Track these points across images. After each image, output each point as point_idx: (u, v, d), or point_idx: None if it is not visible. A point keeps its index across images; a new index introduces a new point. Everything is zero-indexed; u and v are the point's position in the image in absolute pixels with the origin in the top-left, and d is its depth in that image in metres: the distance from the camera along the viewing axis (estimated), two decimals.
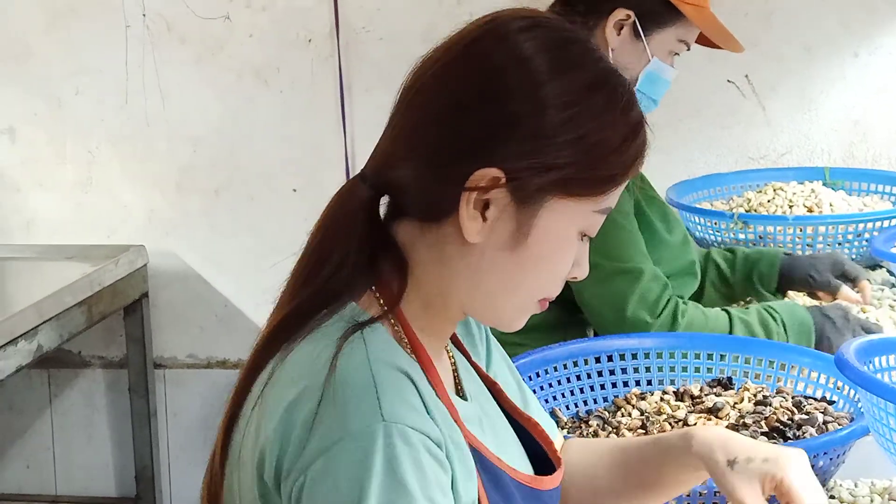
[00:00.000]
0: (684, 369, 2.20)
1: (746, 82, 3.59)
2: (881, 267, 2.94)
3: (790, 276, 2.74)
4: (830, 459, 1.81)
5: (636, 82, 2.42)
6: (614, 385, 2.19)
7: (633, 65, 2.42)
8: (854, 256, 2.96)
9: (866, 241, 2.95)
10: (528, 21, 1.36)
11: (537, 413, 1.61)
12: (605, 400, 2.17)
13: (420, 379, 1.31)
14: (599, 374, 2.19)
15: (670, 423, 1.97)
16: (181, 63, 3.84)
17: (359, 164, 3.76)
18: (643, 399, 2.12)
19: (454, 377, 1.47)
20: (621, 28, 2.40)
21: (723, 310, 2.43)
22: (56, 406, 4.14)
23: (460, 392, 1.47)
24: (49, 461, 4.16)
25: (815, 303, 2.65)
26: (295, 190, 3.87)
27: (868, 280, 2.73)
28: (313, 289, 1.36)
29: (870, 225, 2.97)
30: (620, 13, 2.39)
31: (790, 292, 2.73)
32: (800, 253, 2.90)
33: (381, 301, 1.36)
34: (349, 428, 1.22)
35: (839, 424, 1.92)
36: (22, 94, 3.94)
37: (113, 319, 3.85)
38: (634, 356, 2.20)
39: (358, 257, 1.36)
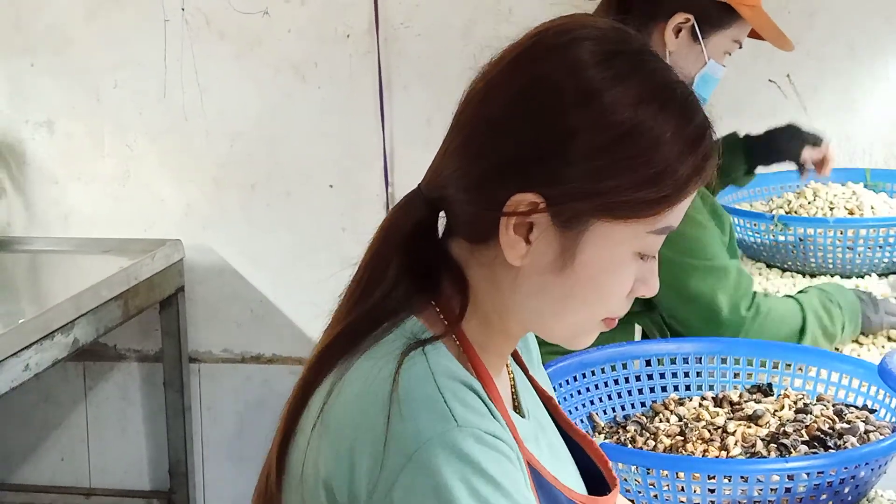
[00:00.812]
0: (723, 375, 2.18)
1: (788, 82, 3.56)
2: None
3: (753, 153, 2.86)
4: (872, 470, 1.78)
5: (691, 84, 2.40)
6: (652, 390, 2.17)
7: (690, 67, 2.43)
8: None
9: None
10: (579, 32, 1.31)
11: None
12: (643, 405, 2.15)
13: (483, 394, 1.28)
14: (637, 378, 2.17)
15: (709, 430, 1.95)
16: (220, 57, 3.84)
17: (396, 162, 3.79)
18: (681, 405, 2.10)
19: (513, 393, 1.45)
20: (679, 31, 2.39)
21: (788, 297, 2.47)
22: (91, 399, 4.16)
23: (518, 408, 1.45)
24: (83, 454, 4.17)
25: None
26: (332, 186, 3.86)
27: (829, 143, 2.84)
28: (369, 305, 1.33)
29: None
30: (680, 17, 2.39)
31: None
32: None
33: (444, 318, 1.34)
34: (423, 437, 1.20)
35: (881, 434, 1.89)
36: (60, 86, 3.95)
37: (149, 313, 3.85)
38: (673, 361, 2.18)
39: (415, 274, 1.34)
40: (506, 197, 1.28)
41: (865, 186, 3.25)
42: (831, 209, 3.10)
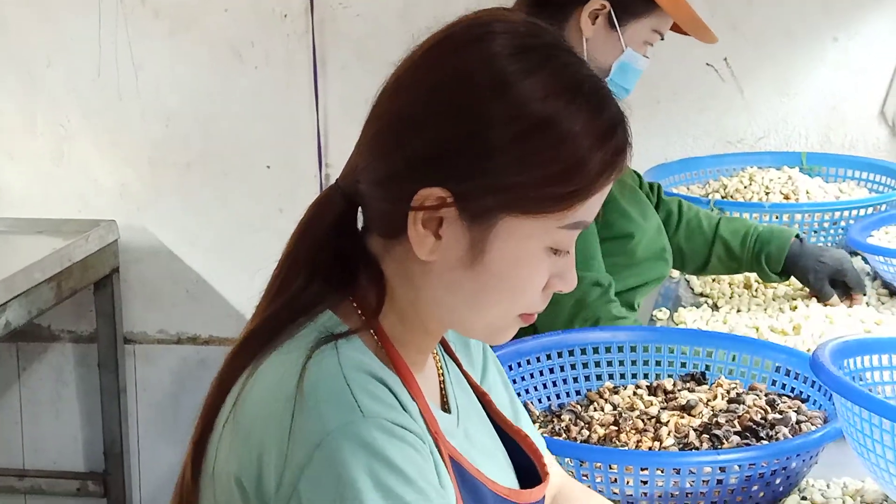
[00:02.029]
0: (658, 363, 2.18)
1: (725, 66, 3.57)
2: (857, 255, 2.93)
3: (795, 264, 2.70)
4: (803, 461, 1.80)
5: (609, 72, 2.41)
6: (587, 378, 2.17)
7: (607, 55, 2.42)
8: (830, 245, 2.95)
9: (842, 229, 2.95)
10: (485, 29, 1.29)
11: (528, 429, 1.58)
12: (578, 393, 2.16)
13: (396, 387, 1.28)
14: (573, 367, 2.17)
15: (643, 420, 1.95)
16: (155, 36, 3.80)
17: (331, 143, 3.76)
18: (616, 393, 2.10)
19: (441, 388, 1.45)
20: (596, 18, 2.38)
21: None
22: (24, 380, 4.11)
23: (445, 404, 1.44)
24: (17, 435, 4.13)
25: None
26: (269, 166, 3.83)
27: (864, 294, 2.71)
28: (285, 299, 1.33)
29: (846, 213, 2.96)
30: (595, 3, 2.38)
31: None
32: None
33: (360, 312, 1.33)
34: (328, 428, 1.19)
35: (813, 424, 1.91)
36: None
37: (83, 294, 3.81)
38: (608, 349, 2.19)
39: (332, 269, 1.33)
40: (414, 191, 1.27)
41: (801, 170, 3.28)
42: (767, 194, 3.12)
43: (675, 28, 2.54)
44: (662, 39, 2.51)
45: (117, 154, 3.89)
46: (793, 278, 2.72)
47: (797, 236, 2.72)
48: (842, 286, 2.68)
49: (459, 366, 1.52)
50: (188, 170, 3.87)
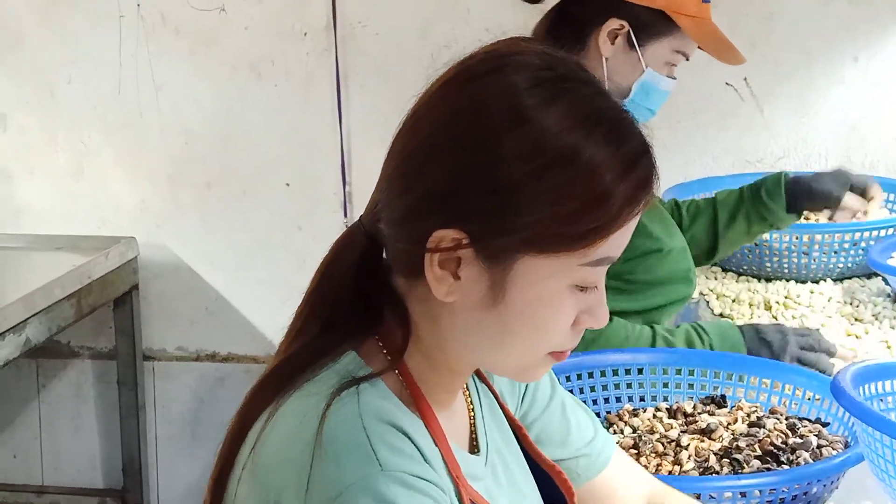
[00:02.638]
0: (678, 385, 2.18)
1: (745, 85, 3.56)
2: (877, 276, 2.93)
3: (795, 192, 2.74)
4: (824, 486, 1.79)
5: (630, 92, 2.40)
6: (606, 400, 2.17)
7: (628, 75, 2.40)
8: (850, 266, 2.95)
9: (863, 250, 2.94)
10: (500, 61, 1.26)
11: (583, 438, 1.57)
12: (598, 416, 2.14)
13: (419, 434, 1.25)
14: (592, 389, 2.17)
15: (663, 444, 1.95)
16: (175, 54, 3.81)
17: (354, 161, 3.77)
18: (636, 416, 2.10)
19: (471, 427, 1.42)
20: (615, 38, 2.37)
21: (649, 326, 2.41)
22: (44, 396, 4.12)
23: (475, 444, 1.42)
24: (36, 451, 4.14)
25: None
26: (288, 184, 3.84)
27: (878, 185, 2.78)
28: (308, 338, 1.31)
29: (867, 234, 2.95)
30: (614, 23, 2.36)
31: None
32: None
33: (386, 353, 1.31)
34: (346, 482, 1.17)
35: (834, 449, 1.90)
36: (14, 81, 3.91)
37: (102, 311, 3.82)
38: (628, 371, 2.18)
39: (355, 307, 1.31)
40: (429, 232, 1.24)
41: None
42: None
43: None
44: (687, 60, 2.48)
45: (137, 171, 3.91)
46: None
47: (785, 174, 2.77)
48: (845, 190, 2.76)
49: (497, 397, 1.49)
50: (208, 187, 3.88)
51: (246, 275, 3.91)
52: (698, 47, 2.48)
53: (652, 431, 2.01)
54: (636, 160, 1.24)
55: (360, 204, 3.85)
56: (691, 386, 2.17)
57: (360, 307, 1.31)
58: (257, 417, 1.29)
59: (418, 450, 1.23)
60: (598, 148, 1.22)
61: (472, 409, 1.43)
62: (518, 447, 1.49)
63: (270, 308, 3.90)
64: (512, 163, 1.21)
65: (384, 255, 1.32)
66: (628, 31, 2.37)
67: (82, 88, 3.87)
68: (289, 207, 3.84)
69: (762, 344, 2.36)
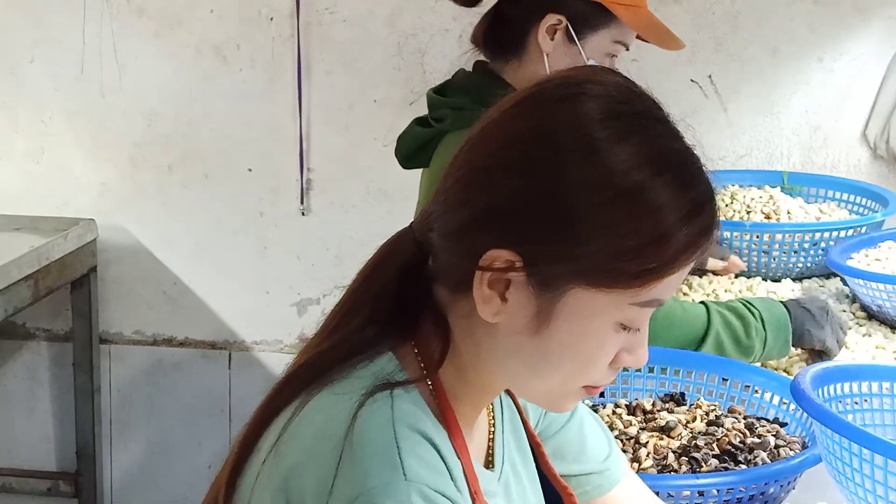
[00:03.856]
0: (638, 382, 2.18)
1: (710, 83, 3.58)
2: (836, 276, 2.94)
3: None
4: (781, 486, 1.80)
5: None
6: None
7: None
8: (810, 266, 2.96)
9: (822, 250, 2.95)
10: (578, 88, 1.24)
11: (596, 455, 1.57)
12: None
13: (444, 445, 1.25)
14: None
15: (622, 440, 1.95)
16: (139, 36, 3.79)
17: (314, 148, 3.76)
18: (595, 411, 2.10)
19: (489, 443, 1.42)
20: (554, 33, 2.38)
21: (701, 303, 2.41)
22: None
23: (490, 459, 1.41)
24: None
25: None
26: (250, 170, 3.82)
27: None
28: (342, 335, 1.30)
29: (827, 234, 2.96)
30: (552, 18, 2.37)
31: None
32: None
33: (421, 361, 1.30)
34: (368, 485, 1.16)
35: (791, 449, 1.91)
36: None
37: (60, 293, 3.80)
38: None
39: (394, 312, 1.30)
40: (483, 250, 1.22)
41: (783, 189, 3.28)
42: (748, 213, 3.12)
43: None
44: (627, 50, 2.47)
45: (98, 153, 3.88)
46: None
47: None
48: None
49: (520, 411, 1.49)
50: (169, 170, 3.86)
51: (205, 259, 3.90)
52: (637, 36, 2.47)
53: (611, 428, 2.01)
54: (701, 207, 1.23)
55: (319, 191, 3.85)
56: (651, 383, 2.18)
57: (400, 312, 1.30)
58: (282, 409, 1.28)
59: (444, 462, 1.23)
60: (664, 189, 1.20)
61: (493, 424, 1.43)
62: (534, 463, 1.49)
63: (229, 293, 3.89)
64: (576, 193, 1.20)
65: (429, 265, 1.31)
66: (566, 25, 2.37)
67: (44, 69, 3.84)
68: (250, 193, 3.83)
69: (804, 311, 2.38)
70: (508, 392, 1.47)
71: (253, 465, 1.29)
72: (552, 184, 1.20)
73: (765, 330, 2.35)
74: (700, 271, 2.83)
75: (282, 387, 1.31)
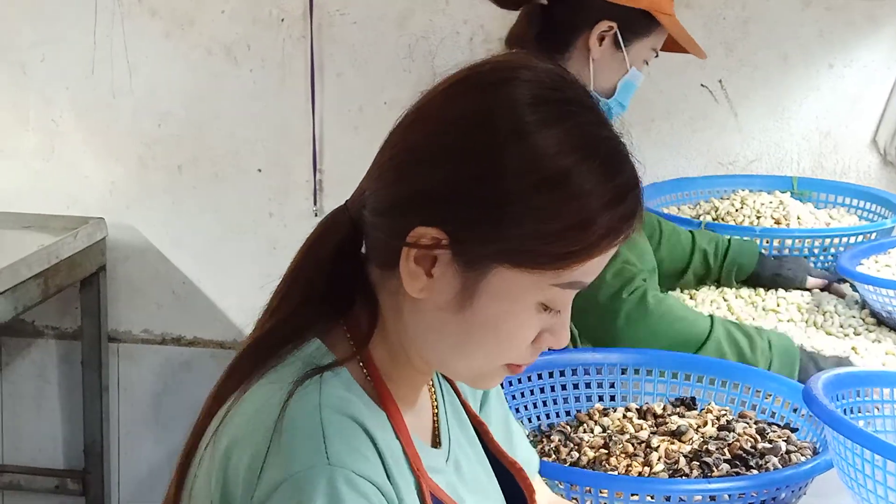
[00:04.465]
0: (648, 386, 2.19)
1: (720, 87, 3.58)
2: (845, 282, 2.94)
3: (760, 274, 2.87)
4: (792, 492, 1.80)
5: (614, 92, 2.44)
6: (577, 399, 2.18)
7: (612, 75, 2.47)
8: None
9: (832, 256, 2.96)
10: (510, 73, 1.27)
11: (522, 450, 1.59)
12: (568, 414, 2.16)
13: (379, 427, 1.27)
14: (563, 387, 2.18)
15: (633, 444, 1.96)
16: (150, 36, 3.79)
17: (326, 148, 3.76)
18: (606, 415, 2.11)
19: (434, 423, 1.44)
20: (603, 39, 2.41)
21: (710, 316, 2.44)
22: (7, 375, 4.09)
23: (437, 439, 1.43)
24: None
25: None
26: (260, 170, 3.82)
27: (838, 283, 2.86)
28: (280, 319, 1.33)
29: (836, 240, 2.97)
30: (604, 24, 2.42)
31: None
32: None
33: (351, 340, 1.32)
34: (291, 470, 1.19)
35: (802, 455, 1.91)
36: None
37: (69, 291, 3.80)
38: (599, 370, 2.19)
39: (328, 290, 1.32)
40: (411, 227, 1.25)
41: (792, 195, 3.29)
42: (758, 218, 3.12)
43: (667, 47, 2.58)
44: (657, 57, 2.55)
45: (108, 152, 3.88)
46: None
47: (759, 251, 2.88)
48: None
49: (459, 395, 1.51)
50: (179, 170, 3.86)
51: (214, 259, 3.90)
52: (661, 47, 2.55)
53: (622, 432, 2.02)
54: (625, 194, 1.26)
55: (330, 192, 3.86)
56: (661, 387, 2.18)
57: (333, 292, 1.32)
58: (226, 399, 1.31)
59: (374, 446, 1.25)
60: (590, 176, 1.23)
61: (437, 405, 1.45)
62: (480, 445, 1.51)
63: (238, 293, 3.89)
64: (505, 176, 1.22)
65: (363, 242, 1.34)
66: (616, 32, 2.40)
67: (55, 67, 3.84)
68: (260, 193, 3.83)
69: (811, 362, 2.39)
70: (446, 376, 1.49)
71: (195, 459, 1.31)
72: (482, 168, 1.23)
73: (771, 352, 2.36)
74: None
75: (225, 379, 1.33)
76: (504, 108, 1.24)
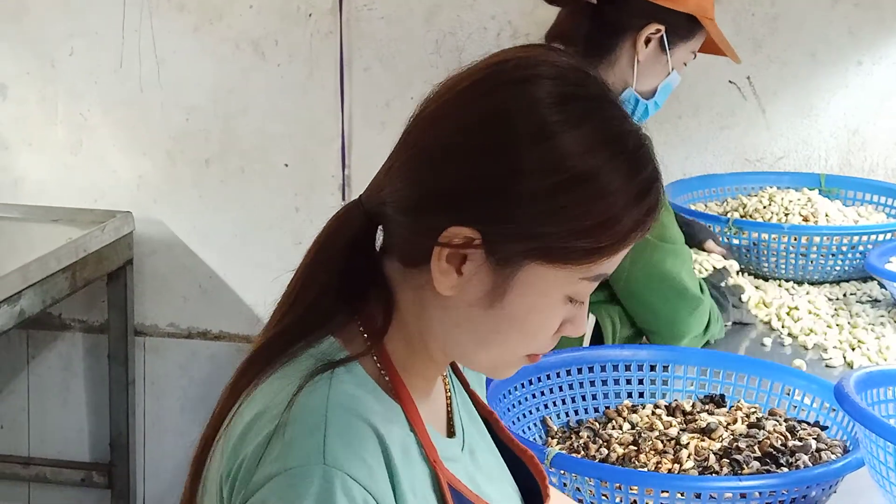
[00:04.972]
0: (677, 383, 2.19)
1: (748, 84, 3.57)
2: (873, 279, 2.94)
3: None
4: (822, 490, 1.80)
5: (654, 94, 2.50)
6: (606, 396, 2.18)
7: (655, 77, 2.51)
8: (848, 269, 2.96)
9: (860, 253, 2.95)
10: (534, 71, 1.28)
11: None
12: (597, 410, 2.16)
13: (391, 421, 1.27)
14: (592, 383, 2.17)
15: (662, 441, 1.95)
16: (179, 30, 3.80)
17: (354, 144, 3.76)
18: (634, 412, 2.11)
19: (448, 413, 1.44)
20: (649, 42, 2.43)
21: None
22: (34, 367, 4.11)
23: (452, 429, 1.44)
24: (24, 423, 4.13)
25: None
26: (287, 165, 3.83)
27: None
28: (295, 315, 1.32)
29: (864, 238, 2.96)
30: (652, 27, 2.44)
31: None
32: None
33: (365, 334, 1.32)
34: (288, 464, 1.20)
35: (832, 453, 1.91)
36: (15, 52, 3.89)
37: (96, 285, 3.81)
38: (627, 367, 2.19)
39: (342, 285, 1.32)
40: (442, 226, 1.25)
41: (820, 192, 3.28)
42: (786, 215, 3.12)
43: (703, 48, 2.61)
44: (695, 58, 2.58)
45: (136, 146, 3.89)
46: None
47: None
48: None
49: (466, 385, 1.52)
50: (206, 164, 3.87)
51: (241, 254, 3.91)
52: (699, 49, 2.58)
53: (651, 428, 2.02)
54: (649, 188, 1.28)
55: (358, 187, 3.86)
56: (690, 384, 2.18)
57: (348, 287, 1.32)
58: (240, 396, 1.31)
59: (381, 445, 1.24)
60: (617, 173, 1.26)
61: (450, 395, 1.46)
62: (489, 436, 1.52)
63: (264, 288, 3.89)
64: (533, 175, 1.24)
65: (378, 238, 1.34)
66: (662, 34, 2.43)
67: (84, 61, 3.86)
68: (287, 188, 3.84)
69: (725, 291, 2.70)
70: (454, 368, 1.50)
71: (211, 452, 1.32)
72: (509, 168, 1.24)
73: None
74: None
75: (240, 372, 1.33)
76: (527, 108, 1.25)
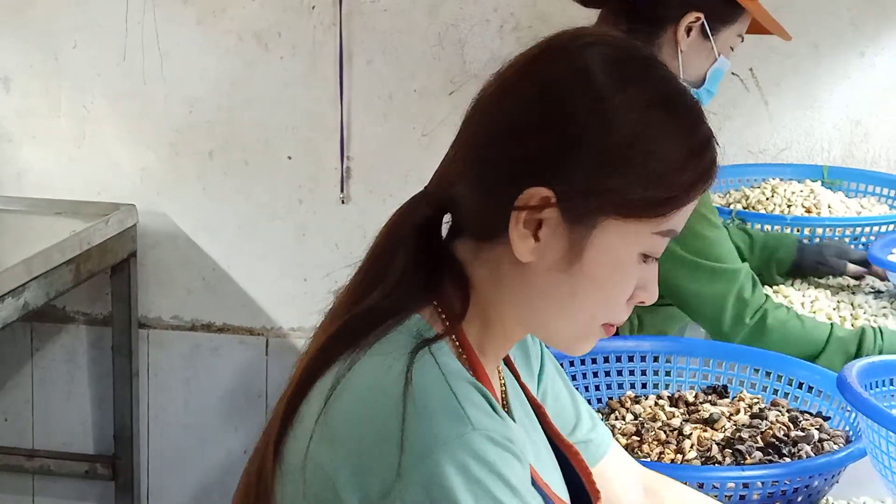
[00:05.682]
0: (679, 374, 2.19)
1: (751, 76, 3.57)
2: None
3: (800, 264, 2.84)
4: (825, 480, 1.81)
5: (704, 81, 2.49)
6: (608, 387, 2.18)
7: (701, 64, 2.49)
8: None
9: (863, 245, 2.95)
10: (589, 39, 1.34)
11: (588, 425, 1.63)
12: (599, 401, 2.16)
13: (489, 395, 1.29)
14: (595, 374, 2.18)
15: (665, 432, 1.96)
16: (182, 22, 3.80)
17: (355, 135, 3.77)
18: (637, 402, 2.11)
19: (503, 397, 1.46)
20: (690, 31, 2.42)
21: (830, 322, 2.46)
22: (38, 360, 4.12)
23: (508, 411, 1.45)
24: (28, 415, 4.14)
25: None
26: (290, 157, 3.84)
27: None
28: (371, 302, 1.33)
29: (867, 229, 2.96)
30: (691, 16, 2.42)
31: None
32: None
33: (445, 318, 1.34)
34: (441, 438, 1.20)
35: (835, 443, 1.91)
36: (19, 44, 3.90)
37: (100, 277, 3.82)
38: (630, 358, 2.20)
39: (416, 275, 1.34)
40: (517, 193, 1.29)
41: (823, 184, 3.28)
42: (789, 206, 3.12)
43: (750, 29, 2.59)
44: (742, 41, 2.56)
45: (139, 139, 3.90)
46: None
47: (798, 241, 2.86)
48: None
49: (518, 377, 1.53)
50: (210, 157, 3.88)
51: (245, 246, 3.91)
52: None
53: (654, 419, 2.03)
54: (709, 140, 1.34)
55: (359, 179, 3.86)
56: (693, 375, 2.19)
57: (421, 273, 1.34)
58: (322, 375, 1.31)
59: (494, 410, 1.27)
60: (678, 125, 1.31)
61: (503, 380, 1.47)
62: (539, 426, 1.52)
63: (268, 280, 3.91)
64: (599, 134, 1.29)
65: (446, 223, 1.38)
66: (703, 22, 2.42)
67: (87, 54, 3.86)
68: (290, 180, 3.84)
69: None
70: (505, 359, 1.51)
71: (298, 432, 1.31)
72: (575, 130, 1.29)
73: (882, 340, 2.39)
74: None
75: (320, 353, 1.34)
76: (586, 73, 1.31)
